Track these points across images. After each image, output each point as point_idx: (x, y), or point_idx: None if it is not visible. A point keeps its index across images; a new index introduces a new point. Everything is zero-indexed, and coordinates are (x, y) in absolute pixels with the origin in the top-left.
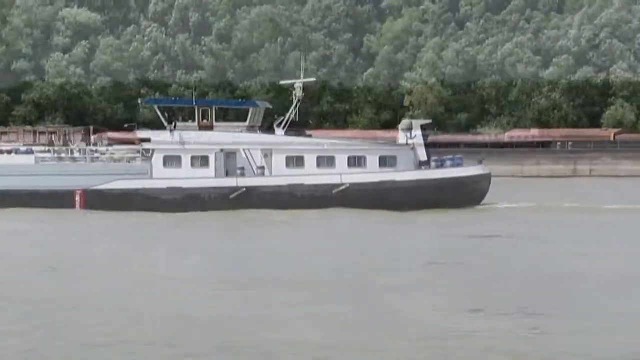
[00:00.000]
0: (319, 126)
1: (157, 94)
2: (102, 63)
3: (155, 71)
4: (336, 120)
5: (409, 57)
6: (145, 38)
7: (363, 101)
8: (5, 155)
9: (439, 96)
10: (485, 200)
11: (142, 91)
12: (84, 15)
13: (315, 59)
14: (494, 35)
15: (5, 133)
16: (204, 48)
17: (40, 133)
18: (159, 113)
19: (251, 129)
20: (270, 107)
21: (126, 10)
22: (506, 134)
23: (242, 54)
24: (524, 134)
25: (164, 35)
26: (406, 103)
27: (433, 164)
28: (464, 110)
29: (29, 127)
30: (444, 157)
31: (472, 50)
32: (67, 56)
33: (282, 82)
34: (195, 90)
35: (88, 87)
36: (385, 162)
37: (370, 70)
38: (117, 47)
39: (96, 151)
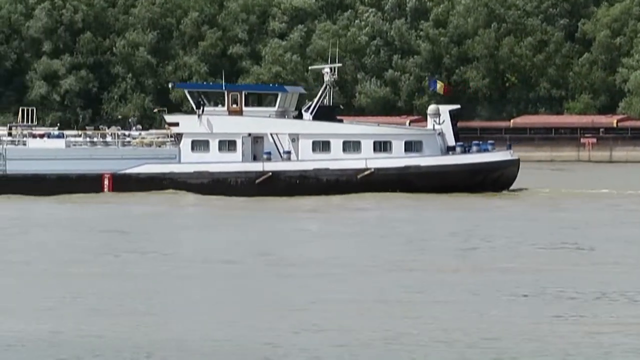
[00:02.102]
0: (534, 111)
1: (373, 79)
2: (318, 48)
3: (372, 56)
4: (552, 105)
5: (627, 42)
6: (362, 23)
7: (579, 86)
8: (38, 139)
9: None
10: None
11: (358, 76)
12: None
13: (530, 44)
14: None
15: None
16: (421, 33)
17: None
18: (189, 97)
19: (281, 114)
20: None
21: None
22: None
23: (458, 40)
24: None
25: (380, 20)
26: (439, 90)
27: (459, 149)
28: None
29: None
30: (471, 143)
31: None
32: (283, 42)
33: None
34: (411, 74)
35: (304, 72)
36: (411, 147)
37: (586, 55)
38: (334, 32)
39: (128, 135)
